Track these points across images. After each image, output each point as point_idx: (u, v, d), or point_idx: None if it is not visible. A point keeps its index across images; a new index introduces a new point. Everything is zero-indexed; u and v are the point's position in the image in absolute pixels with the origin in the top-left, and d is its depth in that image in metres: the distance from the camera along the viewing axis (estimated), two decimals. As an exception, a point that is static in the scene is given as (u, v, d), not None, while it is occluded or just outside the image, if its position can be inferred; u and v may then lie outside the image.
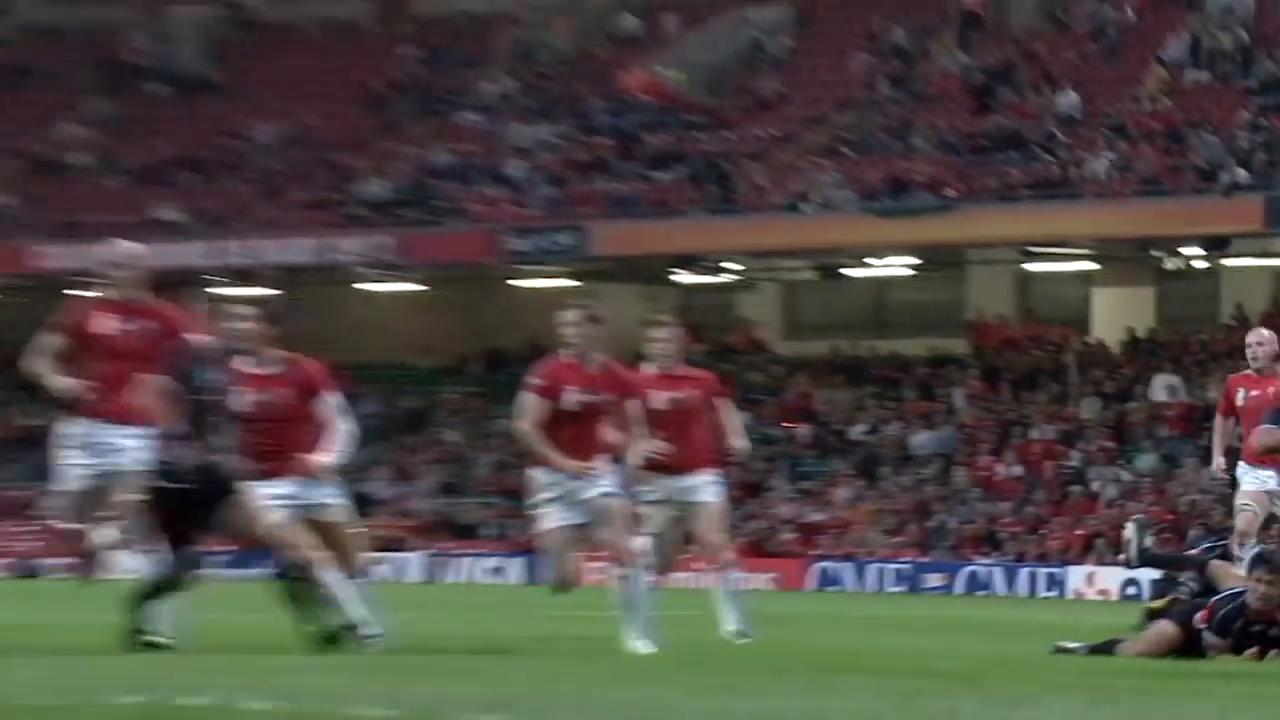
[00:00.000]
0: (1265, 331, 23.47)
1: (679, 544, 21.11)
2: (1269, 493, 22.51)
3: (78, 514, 17.98)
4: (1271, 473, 22.30)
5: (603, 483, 19.06)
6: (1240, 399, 22.41)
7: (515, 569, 59.64)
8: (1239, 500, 22.45)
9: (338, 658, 17.62)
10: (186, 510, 18.09)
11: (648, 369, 21.04)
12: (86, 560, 18.03)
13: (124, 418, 17.46)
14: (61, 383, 17.75)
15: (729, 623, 21.03)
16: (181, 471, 18.04)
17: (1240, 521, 22.09)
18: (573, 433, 18.90)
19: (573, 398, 18.82)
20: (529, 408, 19.03)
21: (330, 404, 18.40)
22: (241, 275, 66.03)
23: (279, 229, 68.47)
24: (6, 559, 62.53)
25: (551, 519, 18.88)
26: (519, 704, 13.40)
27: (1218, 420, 23.20)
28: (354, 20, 77.47)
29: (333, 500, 18.54)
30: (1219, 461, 22.97)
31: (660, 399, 20.55)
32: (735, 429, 21.27)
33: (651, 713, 12.73)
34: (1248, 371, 22.84)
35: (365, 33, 76.91)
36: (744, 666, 17.98)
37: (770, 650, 20.05)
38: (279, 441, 18.19)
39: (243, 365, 18.22)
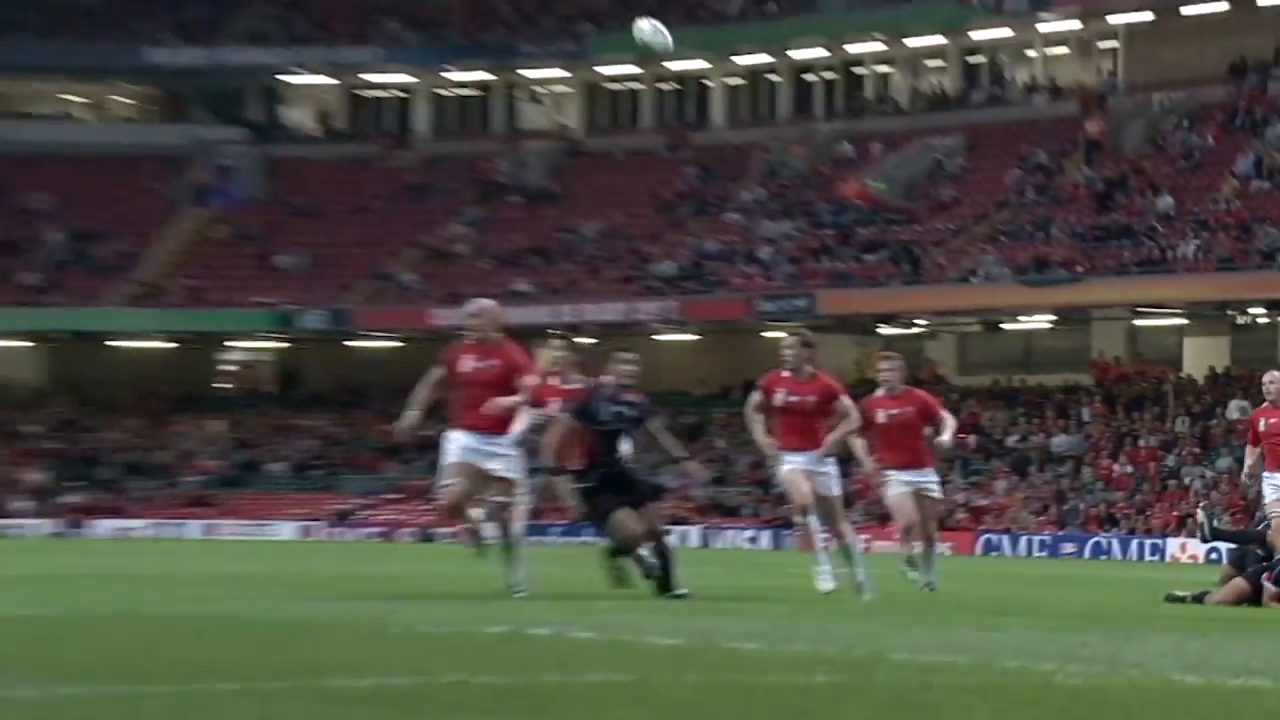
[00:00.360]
0: (1277, 373, 23.04)
1: (919, 514, 20.79)
2: None
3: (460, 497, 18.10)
4: None
5: (830, 482, 19.04)
6: (1261, 426, 21.89)
7: (765, 538, 59.55)
8: (1270, 510, 21.99)
9: (639, 600, 17.56)
10: (596, 500, 18.25)
11: (879, 393, 20.89)
12: (468, 530, 18.10)
13: (484, 429, 17.52)
14: (411, 411, 17.95)
15: (926, 575, 20.78)
16: (592, 474, 18.22)
17: (1275, 523, 21.65)
18: (786, 424, 18.83)
19: (781, 397, 18.73)
20: (752, 400, 19.18)
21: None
22: (572, 330, 66.31)
23: (598, 296, 68.76)
24: (411, 528, 63.10)
25: (787, 465, 18.84)
26: (769, 634, 13.35)
27: (1249, 447, 22.70)
28: (651, 148, 77.60)
29: None
30: (1247, 471, 22.49)
31: (884, 414, 20.38)
32: (947, 430, 20.84)
33: (866, 641, 12.63)
34: (1266, 404, 22.35)
35: (658, 157, 76.97)
36: (934, 609, 17.83)
37: (951, 598, 19.88)
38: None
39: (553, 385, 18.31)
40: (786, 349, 19.20)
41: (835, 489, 19.13)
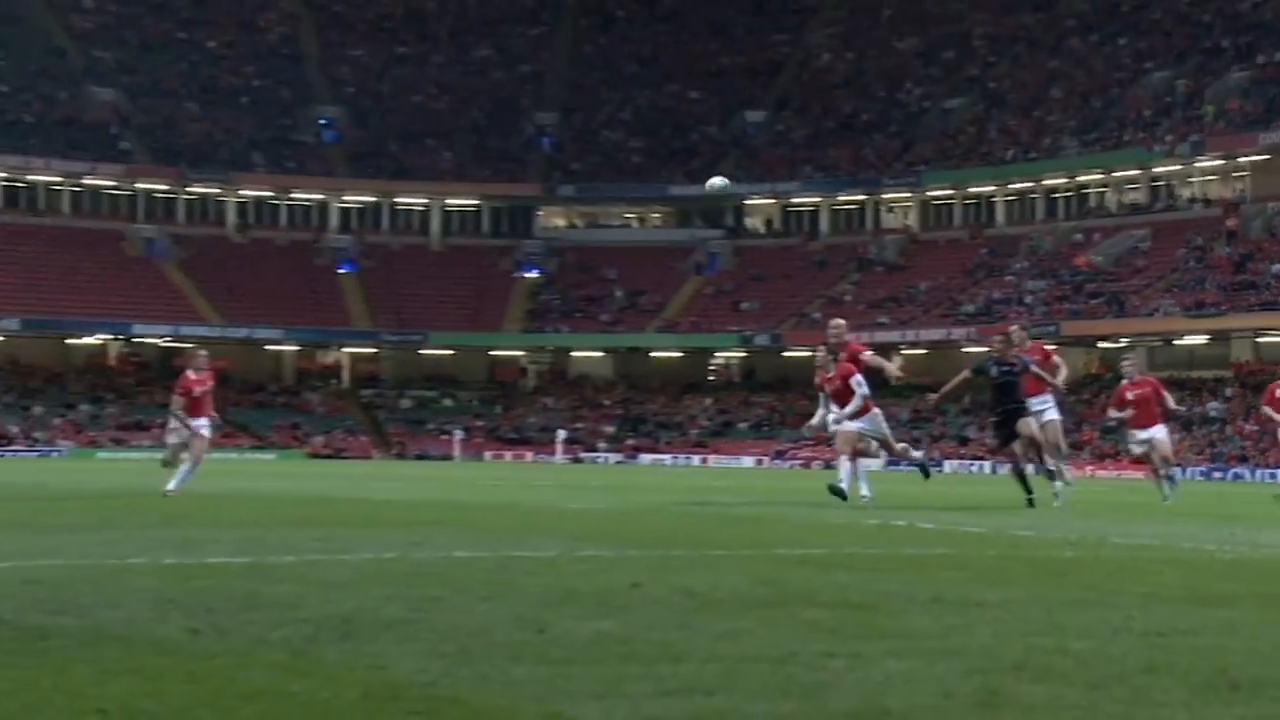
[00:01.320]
0: None
1: (1154, 460, 19.68)
2: None
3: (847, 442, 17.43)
4: None
5: (1048, 412, 17.55)
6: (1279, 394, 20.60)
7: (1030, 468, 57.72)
8: None
9: (955, 506, 17.11)
10: (1002, 431, 17.12)
11: (1125, 381, 19.67)
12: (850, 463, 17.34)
13: (838, 397, 17.09)
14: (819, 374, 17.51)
15: (1166, 494, 19.32)
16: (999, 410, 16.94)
17: None
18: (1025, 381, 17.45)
19: (993, 369, 17.16)
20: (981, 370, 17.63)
21: (858, 381, 16.77)
22: (910, 345, 65.78)
23: (928, 325, 67.77)
24: (819, 460, 62.79)
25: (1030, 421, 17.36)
26: (1037, 526, 12.87)
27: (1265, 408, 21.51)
28: (959, 238, 75.96)
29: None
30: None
31: (1132, 394, 19.24)
32: (1170, 405, 19.71)
33: (1096, 530, 12.13)
34: None
35: (964, 243, 75.29)
36: (1137, 510, 17.08)
37: (1148, 506, 19.00)
38: (849, 394, 16.84)
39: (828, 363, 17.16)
40: (998, 345, 17.69)
41: (1050, 415, 17.60)
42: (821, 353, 17.38)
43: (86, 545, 9.21)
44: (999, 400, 17.22)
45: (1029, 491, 16.94)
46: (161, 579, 7.12)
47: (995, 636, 5.47)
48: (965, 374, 17.51)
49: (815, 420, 17.42)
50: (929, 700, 4.29)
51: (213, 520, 12.22)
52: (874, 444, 17.04)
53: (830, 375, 17.12)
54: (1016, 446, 17.10)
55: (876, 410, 16.91)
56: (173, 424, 17.97)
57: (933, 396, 17.37)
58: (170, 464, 17.72)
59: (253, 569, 7.77)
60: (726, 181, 22.22)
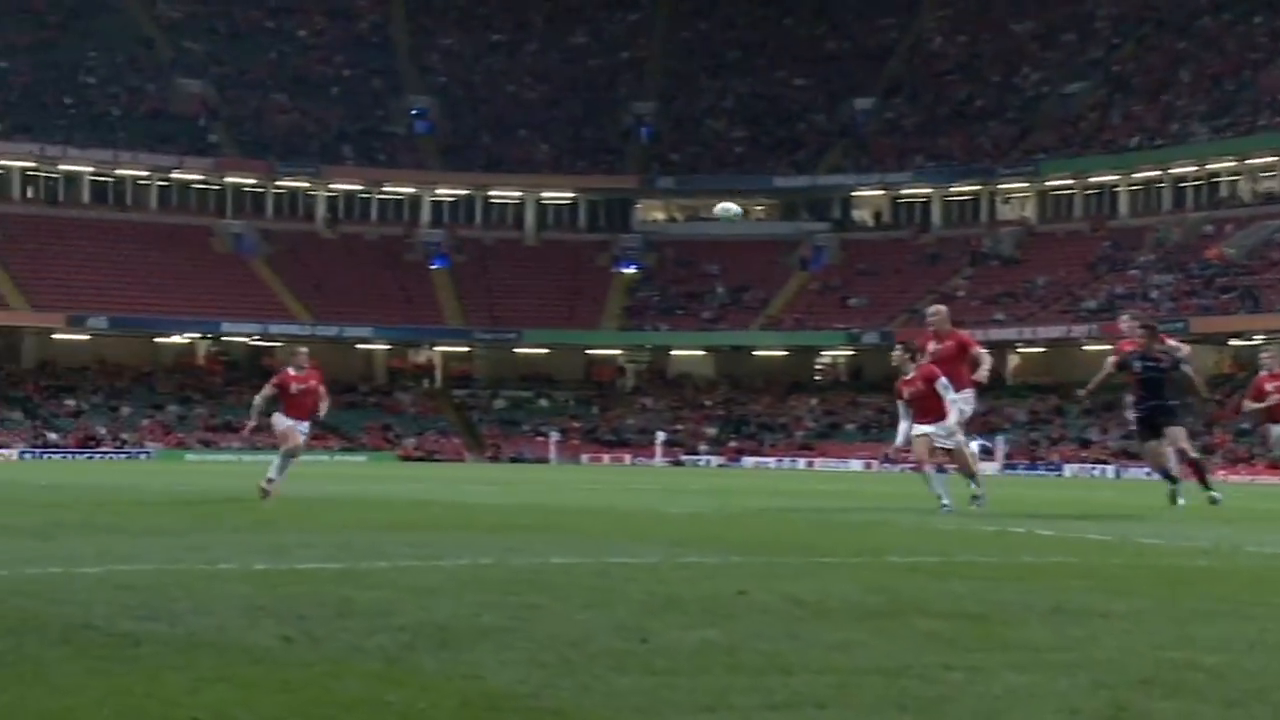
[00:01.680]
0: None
1: None
2: None
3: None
4: None
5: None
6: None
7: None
8: None
9: (1084, 514, 16.85)
10: (1142, 430, 16.63)
11: (1262, 372, 19.05)
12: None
13: (958, 386, 16.64)
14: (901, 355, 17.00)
15: None
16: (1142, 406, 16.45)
17: None
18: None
19: (1136, 364, 16.84)
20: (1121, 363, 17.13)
21: (944, 384, 16.21)
22: (1027, 343, 64.92)
23: (1046, 322, 66.85)
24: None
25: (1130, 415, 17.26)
26: (1165, 534, 12.62)
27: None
28: (1080, 230, 74.96)
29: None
30: None
31: (1271, 386, 18.73)
32: None
33: (1229, 539, 11.87)
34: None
35: (1085, 235, 74.36)
36: (1269, 518, 16.71)
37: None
38: (930, 397, 16.33)
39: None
40: (1142, 338, 17.00)
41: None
42: (898, 352, 16.93)
43: (177, 550, 9.39)
44: (1142, 397, 16.73)
45: (1174, 482, 16.53)
46: (253, 585, 7.23)
47: (1122, 649, 5.40)
48: (1109, 369, 17.12)
49: (900, 439, 16.81)
50: (1052, 716, 4.24)
51: (303, 525, 12.39)
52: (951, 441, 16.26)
53: (909, 378, 16.52)
54: (1160, 446, 16.63)
55: (950, 418, 16.24)
56: (286, 423, 17.93)
57: (1081, 392, 17.09)
58: (290, 455, 17.75)
59: (345, 575, 7.87)
60: (738, 210, 21.92)
